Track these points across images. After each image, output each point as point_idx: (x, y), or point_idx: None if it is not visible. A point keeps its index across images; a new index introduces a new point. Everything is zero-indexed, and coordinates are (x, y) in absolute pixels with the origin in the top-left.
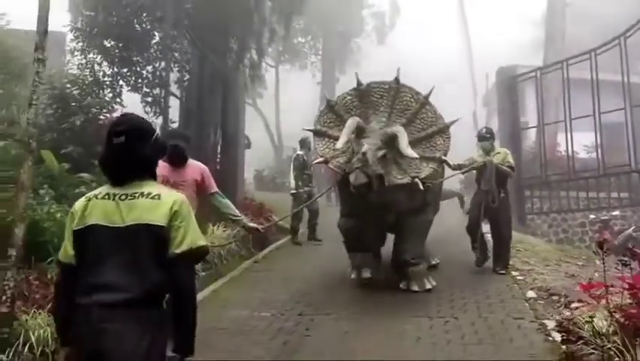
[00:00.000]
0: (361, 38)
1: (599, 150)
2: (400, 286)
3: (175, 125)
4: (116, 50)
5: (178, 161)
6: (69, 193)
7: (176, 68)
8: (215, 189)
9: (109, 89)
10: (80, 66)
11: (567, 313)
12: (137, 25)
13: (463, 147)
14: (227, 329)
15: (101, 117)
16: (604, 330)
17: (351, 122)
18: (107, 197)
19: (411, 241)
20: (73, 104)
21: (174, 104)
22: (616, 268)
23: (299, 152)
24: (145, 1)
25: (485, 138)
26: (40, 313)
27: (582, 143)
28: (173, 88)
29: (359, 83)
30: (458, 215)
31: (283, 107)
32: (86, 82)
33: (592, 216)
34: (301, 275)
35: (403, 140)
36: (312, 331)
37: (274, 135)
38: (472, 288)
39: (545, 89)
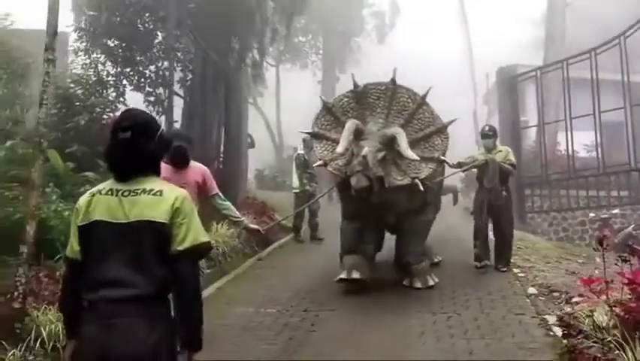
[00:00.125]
0: (361, 38)
1: (599, 149)
2: (403, 283)
3: (177, 125)
4: (120, 50)
5: (180, 162)
6: (74, 192)
7: (179, 68)
8: (216, 190)
9: (112, 89)
10: (83, 66)
11: (568, 308)
12: (140, 25)
13: (463, 147)
14: (233, 325)
15: (105, 117)
16: (604, 324)
17: (350, 125)
18: (110, 193)
19: (412, 243)
20: (77, 103)
21: (176, 104)
22: (616, 264)
23: (300, 151)
24: (148, 1)
25: (488, 135)
26: (50, 309)
27: (582, 142)
28: (176, 87)
29: (355, 85)
30: (459, 214)
31: (284, 106)
32: (90, 82)
33: (592, 214)
34: (305, 272)
35: (403, 141)
36: (317, 326)
37: (275, 134)
38: (473, 285)
39: (545, 88)
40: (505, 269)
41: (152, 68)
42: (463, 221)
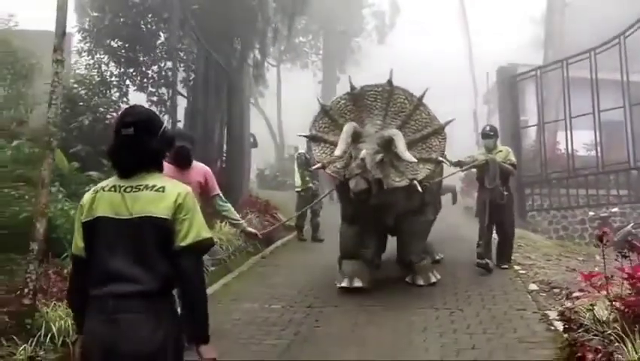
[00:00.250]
0: (361, 38)
1: (599, 148)
2: (406, 280)
3: (180, 125)
4: (123, 51)
5: (183, 163)
6: (79, 191)
7: (182, 68)
8: (217, 191)
9: (115, 89)
10: (87, 66)
11: (568, 303)
12: (143, 26)
13: (463, 146)
14: (239, 320)
15: (109, 117)
16: (604, 318)
17: (348, 128)
18: (113, 189)
19: (413, 243)
20: (81, 104)
21: (179, 104)
22: (616, 260)
23: (301, 150)
24: (151, 2)
25: (489, 135)
26: (60, 305)
27: (582, 141)
28: (179, 87)
29: (352, 87)
30: (459, 213)
31: (284, 106)
32: (93, 82)
33: (591, 213)
34: (308, 270)
35: (400, 143)
36: (321, 322)
37: (276, 134)
38: (475, 282)
39: (545, 88)
40: (506, 266)
41: (155, 68)
42: (463, 220)
